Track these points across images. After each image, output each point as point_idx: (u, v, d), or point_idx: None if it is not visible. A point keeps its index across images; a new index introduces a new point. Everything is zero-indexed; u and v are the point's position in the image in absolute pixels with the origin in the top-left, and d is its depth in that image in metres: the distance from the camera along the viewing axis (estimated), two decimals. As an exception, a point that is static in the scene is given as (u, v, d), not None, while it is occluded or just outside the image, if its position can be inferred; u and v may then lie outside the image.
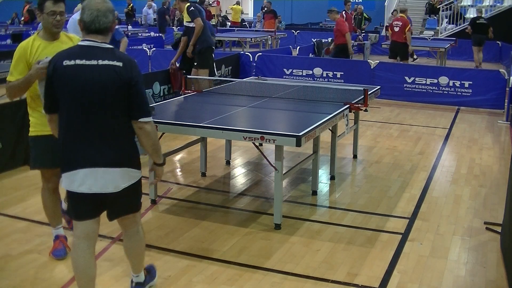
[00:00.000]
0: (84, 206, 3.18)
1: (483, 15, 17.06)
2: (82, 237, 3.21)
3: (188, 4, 8.63)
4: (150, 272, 3.72)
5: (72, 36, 4.04)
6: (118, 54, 3.14)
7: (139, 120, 3.10)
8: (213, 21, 22.50)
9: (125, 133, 3.13)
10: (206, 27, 8.72)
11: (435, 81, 10.57)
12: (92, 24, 3.09)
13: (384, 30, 21.27)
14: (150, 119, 3.15)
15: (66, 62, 3.05)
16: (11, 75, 3.78)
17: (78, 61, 3.04)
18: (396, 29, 12.92)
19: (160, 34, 19.58)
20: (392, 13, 20.22)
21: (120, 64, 3.05)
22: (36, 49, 3.80)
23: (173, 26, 22.60)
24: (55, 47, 3.75)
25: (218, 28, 21.24)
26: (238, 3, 24.72)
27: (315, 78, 11.54)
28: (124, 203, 3.25)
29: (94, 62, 3.04)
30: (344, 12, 16.07)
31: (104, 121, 3.07)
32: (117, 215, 3.32)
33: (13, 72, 3.78)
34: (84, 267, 3.21)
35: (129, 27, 20.14)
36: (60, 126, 3.15)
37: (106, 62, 3.04)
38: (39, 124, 3.86)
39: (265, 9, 21.31)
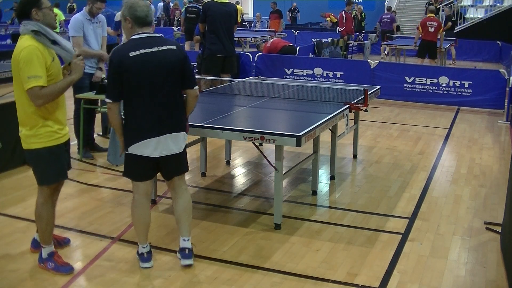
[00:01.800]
0: (147, 169, 3.86)
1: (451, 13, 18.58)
2: (143, 195, 3.91)
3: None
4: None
5: None
6: (168, 40, 3.86)
7: (194, 88, 3.88)
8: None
9: (181, 102, 3.85)
10: (215, 34, 8.14)
11: (435, 81, 10.57)
12: (147, 17, 3.74)
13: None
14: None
15: (132, 53, 3.62)
16: (41, 79, 3.48)
17: (142, 51, 3.65)
18: (432, 29, 13.06)
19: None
20: (383, 14, 20.25)
21: (174, 47, 3.77)
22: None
23: (172, 26, 22.59)
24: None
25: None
26: (238, 3, 24.72)
27: (316, 78, 11.54)
28: (177, 164, 3.92)
29: (155, 49, 3.68)
30: (343, 12, 16.10)
31: (168, 95, 3.74)
32: (173, 175, 3.96)
33: (42, 75, 3.49)
34: (144, 217, 3.93)
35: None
36: (127, 108, 3.74)
37: (164, 47, 3.72)
38: (53, 132, 3.68)
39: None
